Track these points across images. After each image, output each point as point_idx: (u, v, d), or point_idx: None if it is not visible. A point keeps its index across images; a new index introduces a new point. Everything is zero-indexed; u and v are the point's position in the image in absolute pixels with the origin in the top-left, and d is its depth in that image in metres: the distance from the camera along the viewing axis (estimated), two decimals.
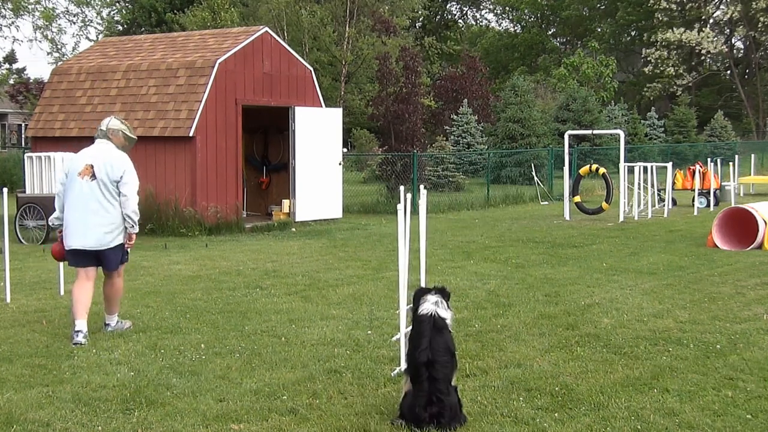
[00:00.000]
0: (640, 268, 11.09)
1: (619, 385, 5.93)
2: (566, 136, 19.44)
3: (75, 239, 7.39)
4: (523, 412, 5.39)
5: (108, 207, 7.37)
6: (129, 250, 7.77)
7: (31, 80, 49.18)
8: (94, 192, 7.35)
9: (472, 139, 32.95)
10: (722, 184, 21.83)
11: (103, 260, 7.53)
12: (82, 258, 7.49)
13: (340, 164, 18.26)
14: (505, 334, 7.44)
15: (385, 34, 39.55)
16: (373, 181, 26.32)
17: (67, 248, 7.47)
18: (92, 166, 7.40)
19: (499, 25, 72.24)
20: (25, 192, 15.23)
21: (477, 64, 42.48)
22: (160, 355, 6.83)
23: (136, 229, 7.56)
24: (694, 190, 20.55)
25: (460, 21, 71.06)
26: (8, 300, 9.05)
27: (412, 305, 5.68)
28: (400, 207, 6.25)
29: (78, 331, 7.25)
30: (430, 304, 5.44)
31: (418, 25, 60.92)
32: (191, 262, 12.01)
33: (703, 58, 55.62)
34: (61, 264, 9.50)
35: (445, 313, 5.45)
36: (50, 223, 7.86)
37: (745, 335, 7.35)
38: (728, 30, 58.05)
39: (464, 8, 72.73)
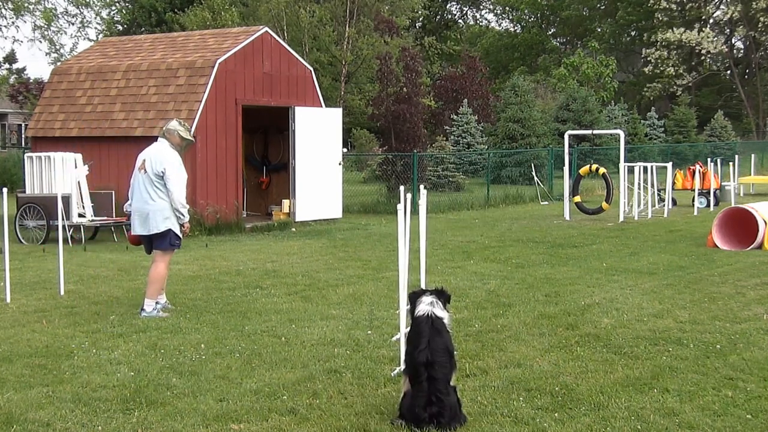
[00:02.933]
0: (640, 268, 11.09)
1: (619, 385, 5.93)
2: (566, 136, 19.44)
3: (136, 227, 8.51)
4: (523, 412, 5.39)
5: (154, 197, 8.32)
6: (182, 237, 8.64)
7: (31, 80, 49.17)
8: (145, 184, 8.37)
9: (472, 139, 32.94)
10: (722, 184, 21.83)
11: (153, 242, 8.51)
12: (146, 243, 8.62)
13: (340, 164, 18.26)
14: (505, 334, 7.44)
15: (387, 34, 39.53)
16: (373, 181, 26.32)
17: (133, 234, 8.64)
18: (144, 161, 8.43)
19: (499, 25, 72.29)
20: (25, 192, 15.23)
21: (477, 64, 42.45)
22: (160, 355, 6.83)
23: (185, 219, 8.48)
24: (694, 190, 20.56)
25: (460, 21, 71.02)
26: (8, 300, 9.05)
27: (409, 307, 5.69)
28: (400, 207, 6.26)
29: (156, 302, 8.48)
30: (426, 305, 5.46)
31: (418, 25, 60.90)
32: (191, 262, 12.00)
33: (703, 58, 55.60)
34: (61, 264, 9.52)
35: (442, 313, 5.46)
36: (124, 209, 8.98)
37: (745, 335, 7.35)
38: (728, 30, 58.05)
39: (464, 8, 72.70)
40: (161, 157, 8.33)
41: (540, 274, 10.68)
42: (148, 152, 8.49)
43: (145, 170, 8.37)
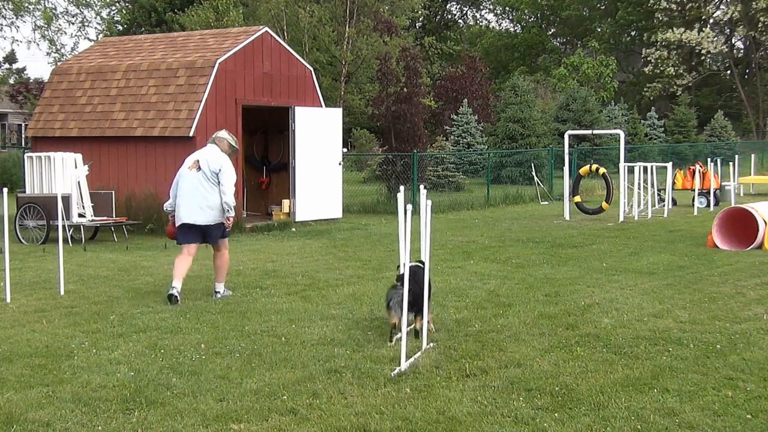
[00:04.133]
0: (640, 268, 11.08)
1: (619, 385, 5.92)
2: (566, 136, 19.44)
3: (185, 216, 9.22)
4: (523, 412, 5.39)
5: (209, 191, 9.19)
6: (228, 229, 9.51)
7: (31, 80, 49.20)
8: (200, 180, 9.23)
9: (472, 139, 32.94)
10: (722, 184, 21.83)
11: (207, 234, 9.34)
12: (188, 234, 9.32)
13: (340, 164, 18.26)
14: (505, 334, 7.44)
15: (386, 34, 39.52)
16: (373, 181, 26.31)
17: (177, 224, 9.32)
18: (198, 161, 9.33)
19: (499, 25, 72.29)
20: (25, 192, 15.22)
21: (477, 64, 42.45)
22: (160, 355, 6.82)
23: (232, 213, 9.32)
24: (694, 190, 20.56)
25: (460, 21, 71.03)
26: (8, 300, 9.05)
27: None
28: (402, 206, 6.26)
29: (173, 287, 9.02)
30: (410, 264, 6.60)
31: (418, 25, 60.90)
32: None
33: (703, 58, 55.63)
34: (61, 264, 9.52)
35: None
36: (164, 208, 9.68)
37: (745, 335, 7.35)
38: (728, 30, 58.06)
39: (464, 8, 72.71)
40: (218, 157, 9.30)
41: (540, 274, 10.67)
42: (201, 154, 9.43)
43: (198, 168, 9.26)
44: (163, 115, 15.88)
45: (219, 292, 9.41)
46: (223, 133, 9.65)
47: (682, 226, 16.35)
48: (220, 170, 9.23)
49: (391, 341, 7.00)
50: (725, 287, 9.67)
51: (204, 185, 9.23)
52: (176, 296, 8.95)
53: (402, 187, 7.00)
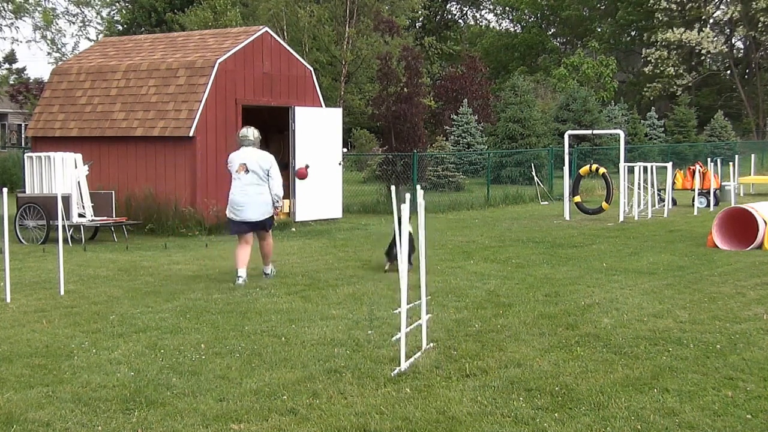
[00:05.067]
0: (640, 268, 11.08)
1: (619, 385, 5.92)
2: (566, 136, 19.44)
3: (241, 215, 10.18)
4: (523, 412, 5.39)
5: (260, 190, 10.17)
6: (274, 218, 10.61)
7: (31, 80, 49.21)
8: (250, 180, 10.16)
9: (472, 139, 32.93)
10: (722, 184, 21.83)
11: (260, 226, 10.31)
12: (243, 227, 10.28)
13: (340, 164, 18.26)
14: (505, 334, 7.44)
15: (387, 34, 39.51)
16: (373, 181, 26.32)
17: (234, 222, 10.31)
18: (245, 164, 10.16)
19: (499, 25, 72.31)
20: (25, 192, 15.23)
21: (477, 64, 42.46)
22: (160, 355, 6.82)
23: (281, 203, 10.40)
24: (694, 190, 20.56)
25: (460, 21, 71.04)
26: (8, 300, 9.05)
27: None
28: (404, 207, 6.27)
29: (239, 276, 10.06)
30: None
31: (418, 25, 60.90)
32: (191, 262, 12.00)
33: (703, 58, 55.64)
34: (61, 264, 9.52)
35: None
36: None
37: (745, 335, 7.35)
38: (728, 30, 58.07)
39: (464, 8, 72.72)
40: (265, 155, 10.27)
41: (540, 274, 10.67)
42: (244, 156, 10.20)
43: (246, 170, 10.12)
44: (163, 115, 15.88)
45: (268, 274, 10.55)
46: (246, 132, 10.41)
47: (682, 226, 16.35)
48: (271, 166, 10.17)
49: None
50: (725, 287, 9.67)
51: (253, 185, 10.13)
52: (242, 284, 9.93)
53: (393, 187, 7.00)
